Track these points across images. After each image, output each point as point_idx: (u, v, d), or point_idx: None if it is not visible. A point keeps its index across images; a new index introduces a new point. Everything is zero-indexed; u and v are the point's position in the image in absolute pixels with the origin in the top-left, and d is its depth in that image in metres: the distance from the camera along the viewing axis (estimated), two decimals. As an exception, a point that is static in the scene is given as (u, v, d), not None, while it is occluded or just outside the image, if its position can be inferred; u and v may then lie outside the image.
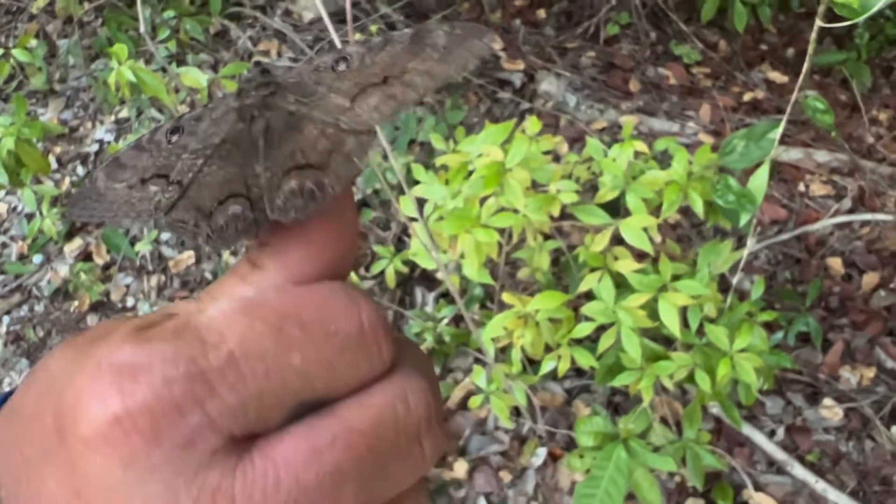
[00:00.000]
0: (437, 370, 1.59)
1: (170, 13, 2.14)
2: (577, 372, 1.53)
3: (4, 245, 1.87)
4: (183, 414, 0.17)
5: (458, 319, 1.61)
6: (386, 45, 0.23)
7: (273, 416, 0.17)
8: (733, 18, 2.23)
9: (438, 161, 1.25)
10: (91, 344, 0.18)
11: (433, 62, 0.22)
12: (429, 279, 1.72)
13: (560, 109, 2.02)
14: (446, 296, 1.69)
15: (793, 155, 1.94)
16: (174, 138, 0.22)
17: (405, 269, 1.68)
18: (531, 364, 1.46)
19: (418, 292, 1.69)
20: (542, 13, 2.50)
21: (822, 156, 1.97)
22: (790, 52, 2.50)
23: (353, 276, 1.61)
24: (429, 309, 1.64)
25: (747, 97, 2.22)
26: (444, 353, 1.57)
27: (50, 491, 0.18)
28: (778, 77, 2.35)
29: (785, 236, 1.72)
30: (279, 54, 2.12)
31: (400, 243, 1.75)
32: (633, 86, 2.18)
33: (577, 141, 1.91)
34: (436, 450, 0.19)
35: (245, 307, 0.19)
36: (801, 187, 1.91)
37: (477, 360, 1.57)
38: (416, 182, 1.28)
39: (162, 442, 0.16)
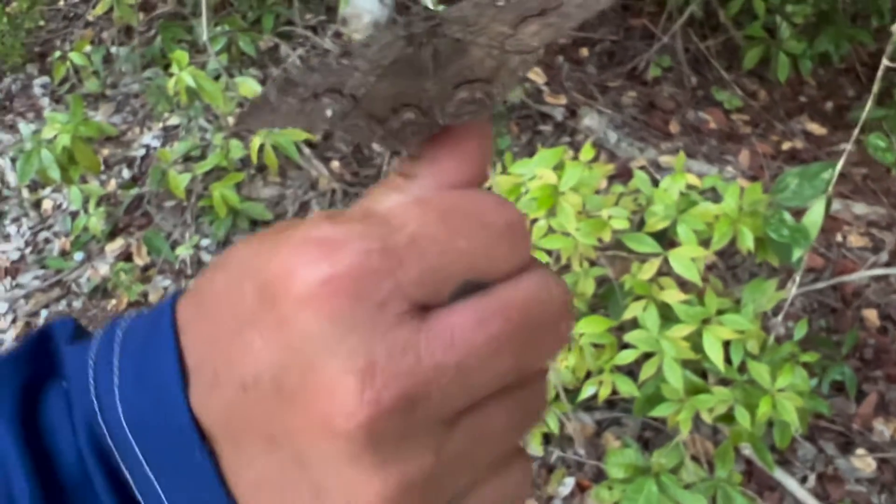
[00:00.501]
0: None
1: (223, 27, 2.19)
2: (609, 404, 1.52)
3: (47, 240, 1.90)
4: (379, 280, 0.19)
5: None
6: None
7: (445, 290, 0.20)
8: (776, 68, 2.26)
9: (494, 180, 1.26)
10: (281, 233, 0.21)
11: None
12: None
13: (600, 145, 2.04)
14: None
15: (832, 206, 1.94)
16: (344, 61, 0.24)
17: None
18: (566, 392, 1.46)
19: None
20: (584, 51, 2.54)
21: (860, 208, 1.97)
22: (829, 105, 2.52)
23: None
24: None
25: (786, 146, 2.24)
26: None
27: (256, 348, 0.20)
28: (816, 129, 2.37)
29: (822, 284, 1.72)
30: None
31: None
32: (674, 127, 2.20)
33: (615, 178, 1.93)
34: (569, 332, 0.22)
35: (417, 200, 0.22)
36: (839, 238, 1.91)
37: (508, 385, 1.57)
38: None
39: (363, 302, 0.19)
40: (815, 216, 0.99)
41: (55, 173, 1.66)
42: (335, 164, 1.95)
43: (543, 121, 2.13)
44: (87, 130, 1.66)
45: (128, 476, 0.21)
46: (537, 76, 2.31)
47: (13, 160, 2.09)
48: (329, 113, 0.24)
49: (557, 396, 1.39)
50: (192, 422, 0.20)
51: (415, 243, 0.20)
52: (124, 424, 0.20)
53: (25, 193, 2.00)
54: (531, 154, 2.05)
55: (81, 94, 2.25)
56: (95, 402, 0.21)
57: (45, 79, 2.32)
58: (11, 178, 2.04)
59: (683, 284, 1.20)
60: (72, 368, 0.22)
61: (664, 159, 2.04)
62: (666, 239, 1.23)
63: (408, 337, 0.19)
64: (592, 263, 1.30)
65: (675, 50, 2.40)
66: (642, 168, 2.06)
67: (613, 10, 2.84)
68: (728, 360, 1.18)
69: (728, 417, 1.29)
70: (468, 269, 0.20)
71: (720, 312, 1.16)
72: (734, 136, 2.23)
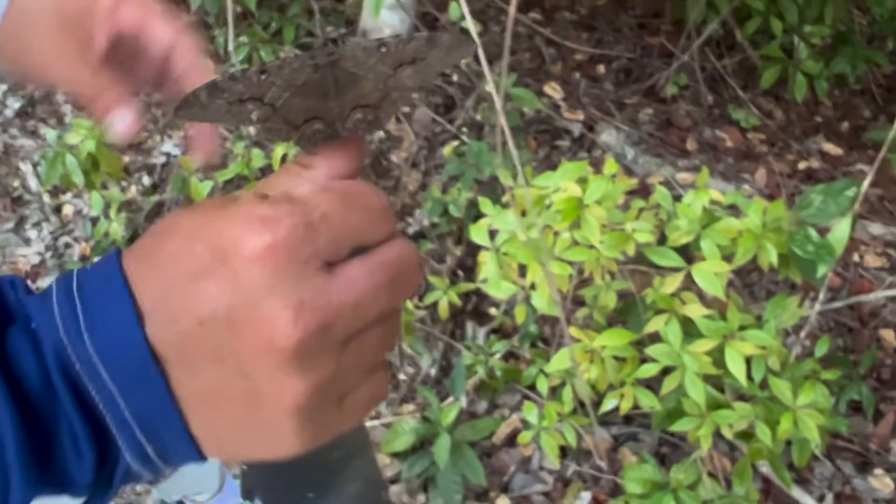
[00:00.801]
0: (484, 405, 1.59)
1: (244, 39, 2.21)
2: (626, 419, 1.52)
3: (67, 245, 1.92)
4: (303, 245, 0.27)
5: (508, 356, 1.61)
6: (411, 40, 0.32)
7: (343, 252, 0.29)
8: (793, 88, 2.27)
9: (516, 192, 1.27)
10: (223, 208, 0.28)
11: (441, 55, 0.33)
12: (480, 314, 1.74)
13: (618, 161, 2.05)
14: (497, 331, 1.70)
15: (849, 224, 1.94)
16: (263, 77, 0.31)
17: (458, 302, 1.69)
18: (581, 406, 1.46)
19: (469, 326, 1.70)
20: (601, 68, 2.55)
21: (877, 228, 1.97)
22: (845, 125, 2.52)
23: (407, 303, 1.63)
24: (479, 343, 1.65)
25: (802, 165, 2.24)
26: (492, 389, 1.57)
27: (212, 293, 0.27)
28: (832, 149, 2.37)
29: (839, 304, 1.72)
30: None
31: (454, 276, 1.77)
32: (690, 145, 2.21)
33: (633, 193, 1.93)
34: (419, 284, 0.33)
35: (324, 188, 0.30)
36: (856, 257, 1.91)
37: (525, 398, 1.57)
38: (480, 215, 1.31)
39: (294, 260, 0.27)
40: (840, 233, 1.00)
41: (79, 178, 1.67)
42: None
43: (561, 136, 2.14)
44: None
45: (93, 394, 0.27)
46: (555, 91, 2.33)
47: (35, 165, 2.11)
48: (254, 116, 0.32)
49: (575, 410, 1.39)
50: (148, 349, 0.27)
51: (325, 219, 0.28)
52: (91, 354, 0.27)
53: (46, 198, 2.02)
54: (549, 168, 2.06)
55: (103, 102, 2.27)
56: (65, 338, 0.27)
57: (68, 86, 2.35)
58: (33, 183, 2.06)
59: (702, 299, 1.20)
60: (37, 312, 0.28)
61: (681, 176, 2.05)
62: (685, 254, 1.23)
63: (322, 284, 0.27)
64: (613, 277, 1.30)
65: (691, 68, 2.42)
66: (660, 184, 2.07)
67: (629, 28, 2.86)
68: (749, 377, 1.18)
69: (747, 434, 1.29)
70: (358, 237, 0.29)
71: (742, 328, 1.16)
72: (751, 155, 2.24)
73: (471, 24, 1.12)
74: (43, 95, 2.34)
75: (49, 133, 1.68)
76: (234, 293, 0.27)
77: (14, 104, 2.30)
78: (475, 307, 1.74)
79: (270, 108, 0.32)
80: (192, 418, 0.28)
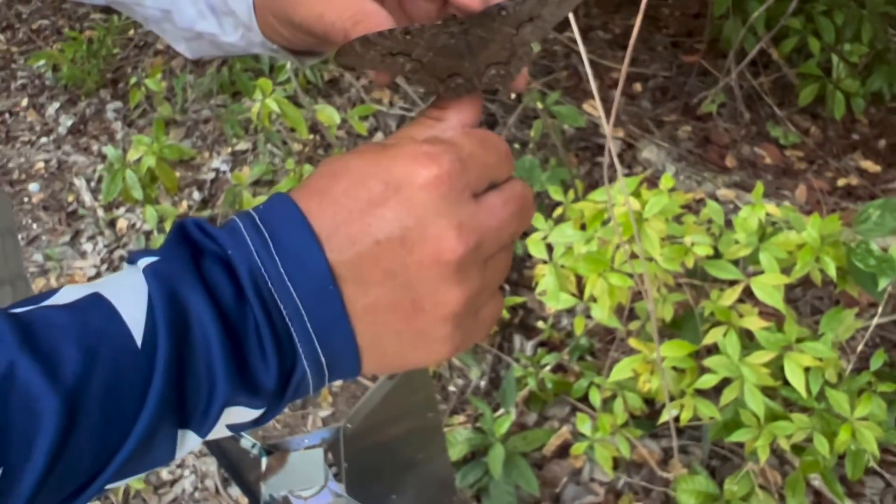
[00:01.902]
0: (534, 416, 1.61)
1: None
2: (676, 431, 1.54)
3: (122, 258, 1.96)
4: (460, 177, 0.33)
5: (557, 368, 1.64)
6: (525, 1, 0.37)
7: (483, 185, 0.34)
8: (832, 106, 2.29)
9: (571, 208, 1.30)
10: (385, 150, 0.33)
11: (554, 9, 0.37)
12: (528, 327, 1.76)
13: (659, 177, 2.08)
14: (545, 344, 1.72)
15: (891, 240, 1.95)
16: (407, 37, 0.36)
17: (506, 315, 1.72)
18: (633, 418, 1.47)
19: (517, 339, 1.73)
20: (638, 86, 2.58)
21: (919, 244, 1.98)
22: (882, 143, 2.53)
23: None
24: (528, 355, 1.67)
25: (841, 182, 2.25)
26: (542, 401, 1.59)
27: (388, 217, 0.32)
28: (870, 166, 2.38)
29: (885, 319, 1.72)
30: (391, 103, 2.23)
31: (501, 290, 1.80)
32: (730, 162, 2.23)
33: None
34: (532, 217, 0.36)
35: (463, 133, 0.36)
36: (899, 273, 1.91)
37: (575, 409, 1.59)
38: (529, 231, 1.34)
39: (454, 189, 0.32)
40: (903, 246, 1.01)
41: (138, 193, 1.72)
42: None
43: (602, 152, 2.17)
44: (170, 153, 1.73)
45: (282, 308, 0.31)
46: (594, 109, 2.36)
47: (88, 181, 2.17)
48: (406, 68, 0.37)
49: (627, 422, 1.41)
50: (328, 269, 0.31)
51: (472, 157, 0.34)
52: (282, 273, 0.31)
53: (101, 213, 2.07)
54: (591, 184, 2.09)
55: (152, 119, 2.33)
56: (258, 261, 0.31)
57: (118, 104, 2.41)
58: (87, 197, 2.12)
59: (764, 314, 1.22)
60: (230, 243, 0.31)
61: (722, 192, 2.07)
62: (740, 267, 1.26)
63: (474, 210, 0.33)
64: (670, 289, 1.32)
65: (728, 86, 2.44)
66: (700, 201, 2.09)
67: (664, 47, 2.89)
68: (805, 389, 1.20)
69: (799, 447, 1.30)
70: (493, 174, 0.34)
71: (799, 340, 1.18)
72: (790, 172, 2.25)
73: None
74: (94, 112, 2.41)
75: (109, 150, 1.73)
76: (407, 216, 0.31)
77: (66, 122, 2.37)
78: (522, 320, 1.77)
79: (419, 63, 0.36)
80: (359, 330, 0.32)
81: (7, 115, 2.44)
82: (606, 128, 0.97)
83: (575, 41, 2.79)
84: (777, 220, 1.35)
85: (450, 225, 0.32)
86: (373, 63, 0.36)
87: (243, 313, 0.31)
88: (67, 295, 0.30)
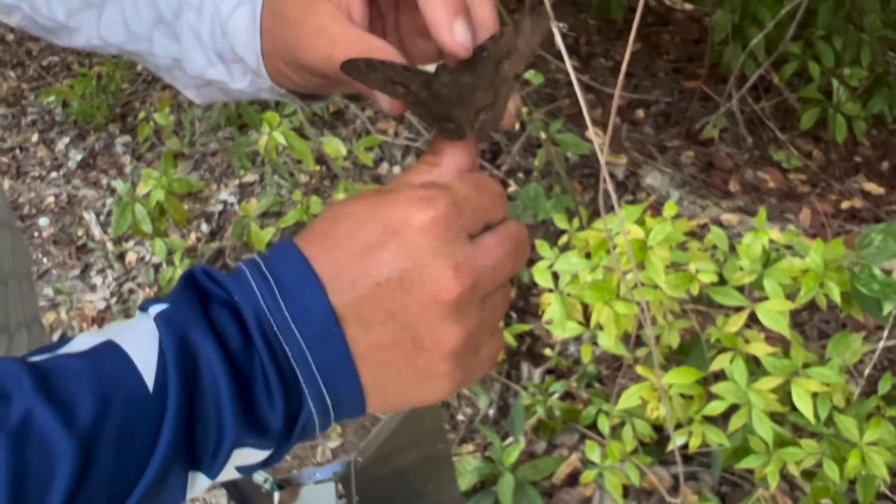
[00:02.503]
0: (543, 445, 1.61)
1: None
2: (685, 458, 1.53)
3: (132, 291, 1.98)
4: (455, 219, 0.34)
5: (565, 395, 1.64)
6: (502, 35, 0.38)
7: (478, 227, 0.35)
8: (833, 130, 2.30)
9: (576, 236, 1.31)
10: (384, 195, 0.35)
11: (527, 39, 0.38)
12: (535, 354, 1.77)
13: (663, 203, 2.09)
14: (553, 371, 1.72)
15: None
16: (406, 73, 0.37)
17: (514, 343, 1.73)
18: (642, 445, 1.47)
19: (525, 367, 1.73)
20: (640, 113, 2.61)
21: (925, 266, 1.98)
22: (885, 165, 2.55)
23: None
24: (535, 383, 1.67)
25: (845, 205, 2.26)
26: (551, 429, 1.59)
27: (387, 260, 0.33)
28: (874, 188, 2.39)
29: (892, 342, 1.72)
30: (396, 134, 2.25)
31: (507, 318, 1.81)
32: (733, 186, 2.24)
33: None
34: (526, 258, 0.37)
35: (458, 177, 0.37)
36: (906, 295, 1.92)
37: (583, 437, 1.59)
38: (534, 258, 1.35)
39: (450, 231, 0.33)
40: (905, 271, 1.02)
41: (147, 226, 1.74)
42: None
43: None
44: (179, 187, 1.75)
45: (287, 351, 0.32)
46: (596, 136, 2.38)
47: (97, 214, 2.19)
48: (407, 98, 0.38)
49: (636, 449, 1.41)
50: (332, 311, 0.32)
51: (467, 200, 0.35)
52: (287, 317, 0.32)
53: (110, 246, 2.09)
54: (595, 211, 2.10)
55: (160, 153, 2.36)
56: (264, 305, 0.32)
57: (127, 138, 2.44)
58: (97, 231, 2.14)
59: (770, 340, 1.22)
60: (237, 288, 0.33)
61: (726, 217, 2.08)
62: (745, 293, 1.26)
63: (470, 250, 0.34)
64: (676, 316, 1.33)
65: (730, 111, 2.46)
66: (704, 226, 2.10)
67: (665, 73, 2.92)
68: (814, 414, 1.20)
69: (809, 473, 1.30)
70: (488, 215, 0.36)
71: (805, 366, 1.18)
72: (793, 195, 2.26)
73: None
74: (103, 147, 2.44)
75: (118, 184, 1.76)
76: (406, 258, 0.33)
77: (76, 156, 2.40)
78: (529, 348, 1.77)
79: (416, 98, 0.38)
80: (363, 370, 0.33)
81: (18, 151, 2.48)
82: (601, 157, 0.98)
83: (577, 69, 2.82)
84: (780, 246, 1.36)
85: (447, 265, 0.33)
86: (374, 84, 0.38)
87: (250, 356, 0.32)
88: (82, 343, 0.31)
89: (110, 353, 0.30)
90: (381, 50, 0.37)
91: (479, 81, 0.37)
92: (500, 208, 0.37)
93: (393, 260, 0.33)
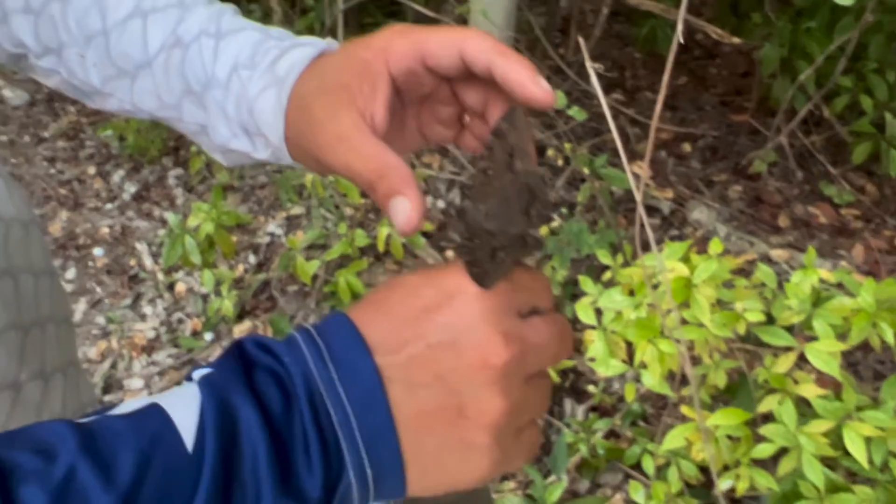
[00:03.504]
0: (586, 483, 1.58)
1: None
2: (732, 501, 1.49)
3: (180, 321, 2.02)
4: (508, 292, 0.36)
5: (609, 434, 1.61)
6: (500, 135, 0.37)
7: (527, 309, 0.36)
8: (887, 164, 2.25)
9: (620, 273, 1.30)
10: (442, 267, 0.36)
11: (524, 127, 0.38)
12: (578, 391, 1.74)
13: (709, 239, 2.06)
14: (596, 409, 1.70)
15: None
16: (469, 242, 0.36)
17: (557, 379, 1.71)
18: (688, 487, 1.44)
19: (568, 403, 1.71)
20: (687, 147, 2.59)
21: None
22: (941, 200, 2.47)
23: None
24: (578, 420, 1.65)
25: (900, 241, 2.20)
26: (594, 467, 1.57)
27: (441, 322, 0.34)
28: (931, 224, 2.32)
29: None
30: (441, 168, 2.27)
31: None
32: (783, 221, 2.20)
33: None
34: (571, 349, 0.38)
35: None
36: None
37: (627, 476, 1.56)
38: (576, 294, 1.34)
39: (503, 301, 0.35)
40: (963, 313, 0.99)
41: (196, 258, 1.78)
42: (450, 253, 2.03)
43: (651, 214, 2.17)
44: (228, 220, 1.79)
45: (332, 413, 0.32)
46: (642, 170, 2.37)
47: (150, 245, 2.25)
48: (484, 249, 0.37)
49: (682, 491, 1.38)
50: (377, 373, 0.33)
51: (518, 280, 0.36)
52: (335, 379, 0.32)
53: (161, 276, 2.14)
54: (641, 245, 2.08)
55: (211, 185, 2.42)
56: (313, 368, 0.33)
57: (179, 171, 2.51)
58: (148, 262, 2.19)
59: (821, 381, 1.19)
60: (286, 352, 0.33)
61: (776, 253, 2.04)
62: (793, 333, 1.23)
63: (521, 324, 0.35)
64: (722, 355, 1.30)
65: (780, 145, 2.43)
66: (752, 262, 2.06)
67: (712, 107, 2.90)
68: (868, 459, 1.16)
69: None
70: (534, 301, 0.37)
71: (859, 409, 1.14)
72: (845, 231, 2.21)
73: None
74: (157, 179, 2.51)
75: (171, 217, 1.80)
76: (459, 322, 0.34)
77: (130, 188, 2.47)
78: (573, 384, 1.75)
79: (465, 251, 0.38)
80: (404, 437, 0.33)
81: (75, 183, 2.56)
82: (636, 193, 0.98)
83: (622, 103, 2.81)
84: (831, 285, 1.33)
85: (498, 332, 0.34)
86: (461, 251, 0.37)
87: (291, 421, 0.32)
88: (128, 406, 0.32)
89: (153, 414, 0.31)
90: (396, 168, 0.38)
91: (501, 185, 0.36)
92: (548, 297, 0.38)
93: (447, 323, 0.34)
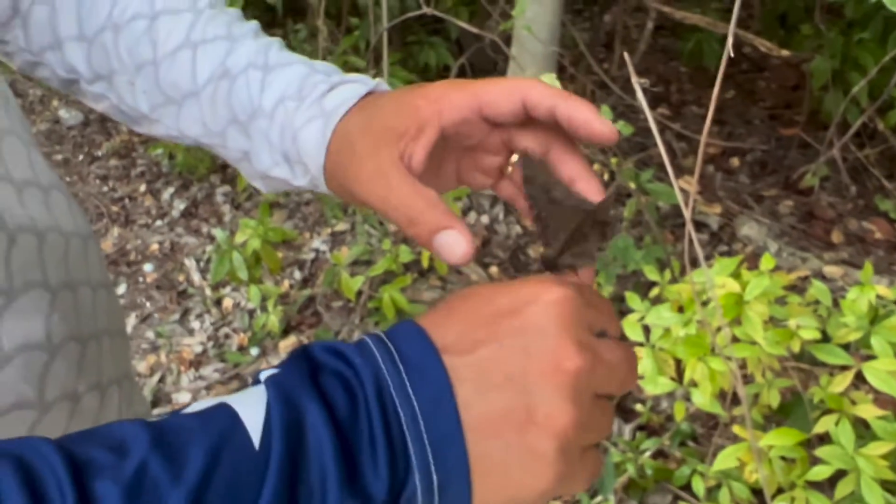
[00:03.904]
0: (634, 504, 1.55)
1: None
2: (787, 524, 1.45)
3: (227, 336, 2.04)
4: (582, 305, 0.36)
5: (657, 454, 1.58)
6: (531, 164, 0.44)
7: (597, 328, 0.37)
8: (944, 177, 2.18)
9: (668, 289, 1.28)
10: (507, 283, 0.37)
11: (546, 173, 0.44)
12: (625, 409, 1.71)
13: (760, 255, 2.01)
14: (644, 428, 1.67)
15: None
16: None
17: (603, 397, 1.68)
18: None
19: (615, 422, 1.68)
20: (735, 161, 2.54)
21: None
22: None
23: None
24: (625, 439, 1.62)
25: (961, 257, 2.13)
26: (642, 488, 1.53)
27: (515, 325, 0.34)
28: None
29: None
30: (484, 183, 2.27)
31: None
32: (836, 237, 2.15)
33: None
34: (635, 378, 0.38)
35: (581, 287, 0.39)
36: None
37: (677, 498, 1.52)
38: (624, 310, 1.31)
39: (578, 310, 0.36)
40: None
41: (243, 273, 1.80)
42: (493, 269, 2.02)
43: (699, 229, 2.13)
44: (274, 236, 1.81)
45: (401, 413, 0.32)
46: (689, 185, 2.33)
47: (198, 261, 2.29)
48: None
49: (734, 513, 1.34)
50: (446, 375, 0.33)
51: (592, 297, 0.37)
52: (405, 379, 0.33)
53: (208, 292, 2.17)
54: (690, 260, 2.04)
55: (258, 202, 2.45)
56: (384, 367, 0.33)
57: (227, 188, 2.55)
58: (196, 277, 2.23)
59: (880, 402, 1.15)
60: (357, 355, 0.34)
61: (829, 269, 1.99)
62: (849, 351, 1.19)
63: (590, 338, 0.35)
64: (776, 374, 1.27)
65: (832, 159, 2.37)
66: (805, 279, 2.01)
67: (760, 120, 2.85)
68: (931, 483, 1.11)
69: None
70: (605, 323, 0.37)
71: (920, 431, 1.10)
72: (902, 247, 2.15)
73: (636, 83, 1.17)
74: (205, 196, 2.55)
75: (219, 233, 1.83)
76: (533, 326, 0.34)
77: (179, 205, 2.52)
78: (619, 403, 1.72)
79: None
80: (471, 439, 0.33)
81: (127, 200, 2.62)
82: (684, 209, 0.96)
83: (668, 117, 2.78)
84: (889, 302, 1.28)
85: (571, 339, 0.34)
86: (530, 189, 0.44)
87: (357, 421, 0.32)
88: (198, 405, 0.33)
89: (221, 412, 0.32)
90: (438, 203, 0.40)
91: (562, 212, 0.41)
92: (615, 323, 0.38)
93: (520, 326, 0.34)
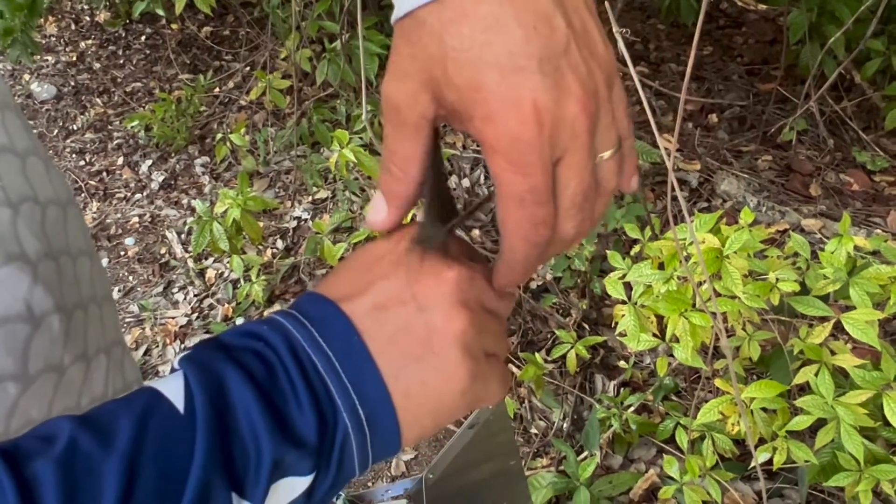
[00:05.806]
0: (619, 459, 1.58)
1: (369, 107, 2.33)
2: (769, 474, 1.48)
3: (211, 307, 2.04)
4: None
5: (641, 409, 1.60)
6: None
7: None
8: (921, 128, 2.20)
9: (649, 246, 1.29)
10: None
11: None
12: (609, 366, 1.74)
13: (739, 210, 2.03)
14: (628, 384, 1.69)
15: None
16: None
17: (587, 355, 1.70)
18: (722, 460, 1.43)
19: (599, 379, 1.70)
20: (714, 117, 2.54)
21: None
22: (979, 164, 2.41)
23: (536, 357, 1.65)
24: (610, 396, 1.64)
25: (937, 207, 2.15)
26: (627, 442, 1.56)
27: (389, 261, 0.38)
28: (967, 188, 2.27)
29: None
30: (465, 146, 2.26)
31: (580, 329, 1.78)
32: (814, 190, 2.16)
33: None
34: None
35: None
36: None
37: (661, 451, 1.55)
38: (604, 269, 1.32)
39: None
40: None
41: (224, 244, 1.79)
42: (476, 232, 2.02)
43: (680, 186, 2.14)
44: (254, 205, 1.80)
45: (318, 364, 0.34)
46: (669, 143, 2.33)
47: (179, 233, 2.27)
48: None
49: (717, 464, 1.37)
50: (347, 319, 0.36)
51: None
52: (314, 333, 0.35)
53: (191, 263, 2.16)
54: (668, 219, 2.06)
55: (236, 172, 2.43)
56: (293, 330, 0.35)
57: (205, 159, 2.52)
58: (178, 249, 2.21)
59: (857, 351, 1.17)
60: (265, 326, 0.36)
61: (807, 222, 2.01)
62: (828, 303, 1.21)
63: (470, 274, 0.39)
64: (756, 327, 1.29)
65: (809, 112, 2.38)
66: (784, 232, 2.03)
67: (738, 76, 2.85)
68: (908, 428, 1.14)
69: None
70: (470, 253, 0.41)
71: (897, 378, 1.12)
72: (880, 198, 2.17)
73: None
74: (183, 168, 2.53)
75: (198, 204, 1.81)
76: (409, 259, 0.38)
77: (158, 178, 2.49)
78: (603, 360, 1.74)
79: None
80: (383, 366, 0.35)
81: (105, 174, 2.59)
82: (668, 164, 0.96)
83: (647, 75, 2.76)
84: (867, 253, 1.30)
85: (439, 261, 0.38)
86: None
87: (276, 379, 0.34)
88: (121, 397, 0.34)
89: (142, 392, 0.33)
90: (401, 169, 0.42)
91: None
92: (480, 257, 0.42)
93: (397, 259, 0.38)
